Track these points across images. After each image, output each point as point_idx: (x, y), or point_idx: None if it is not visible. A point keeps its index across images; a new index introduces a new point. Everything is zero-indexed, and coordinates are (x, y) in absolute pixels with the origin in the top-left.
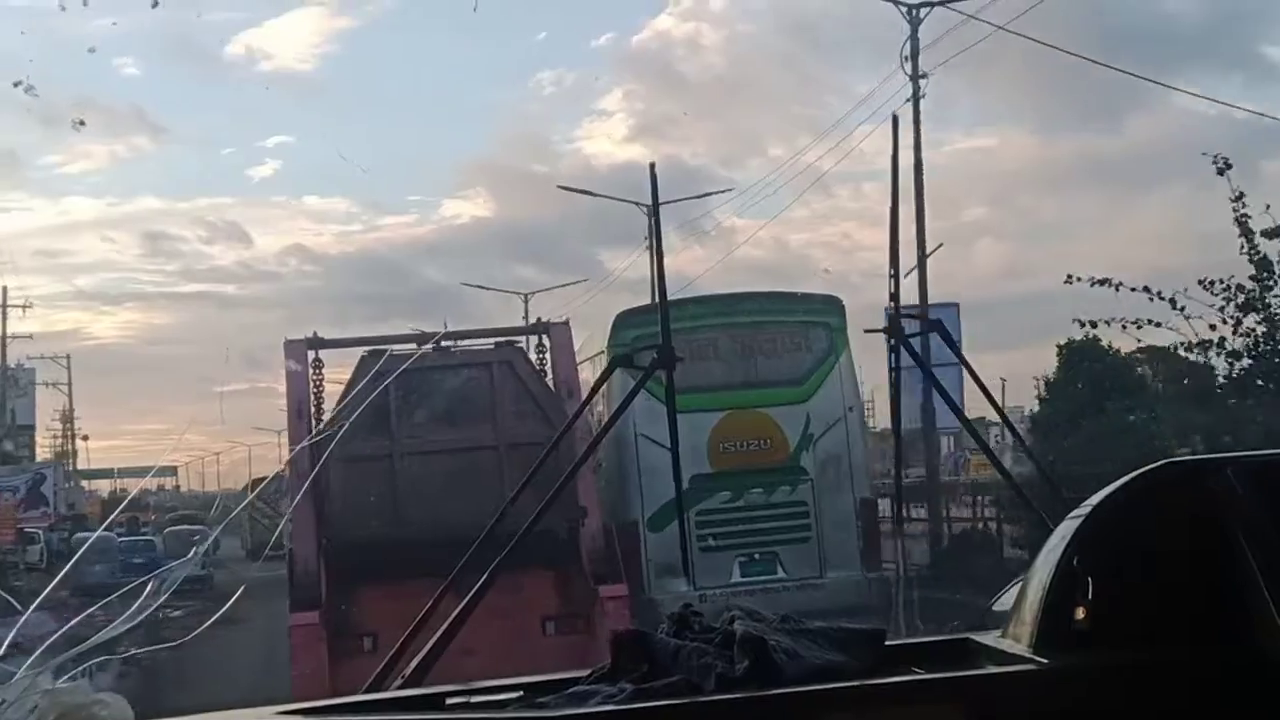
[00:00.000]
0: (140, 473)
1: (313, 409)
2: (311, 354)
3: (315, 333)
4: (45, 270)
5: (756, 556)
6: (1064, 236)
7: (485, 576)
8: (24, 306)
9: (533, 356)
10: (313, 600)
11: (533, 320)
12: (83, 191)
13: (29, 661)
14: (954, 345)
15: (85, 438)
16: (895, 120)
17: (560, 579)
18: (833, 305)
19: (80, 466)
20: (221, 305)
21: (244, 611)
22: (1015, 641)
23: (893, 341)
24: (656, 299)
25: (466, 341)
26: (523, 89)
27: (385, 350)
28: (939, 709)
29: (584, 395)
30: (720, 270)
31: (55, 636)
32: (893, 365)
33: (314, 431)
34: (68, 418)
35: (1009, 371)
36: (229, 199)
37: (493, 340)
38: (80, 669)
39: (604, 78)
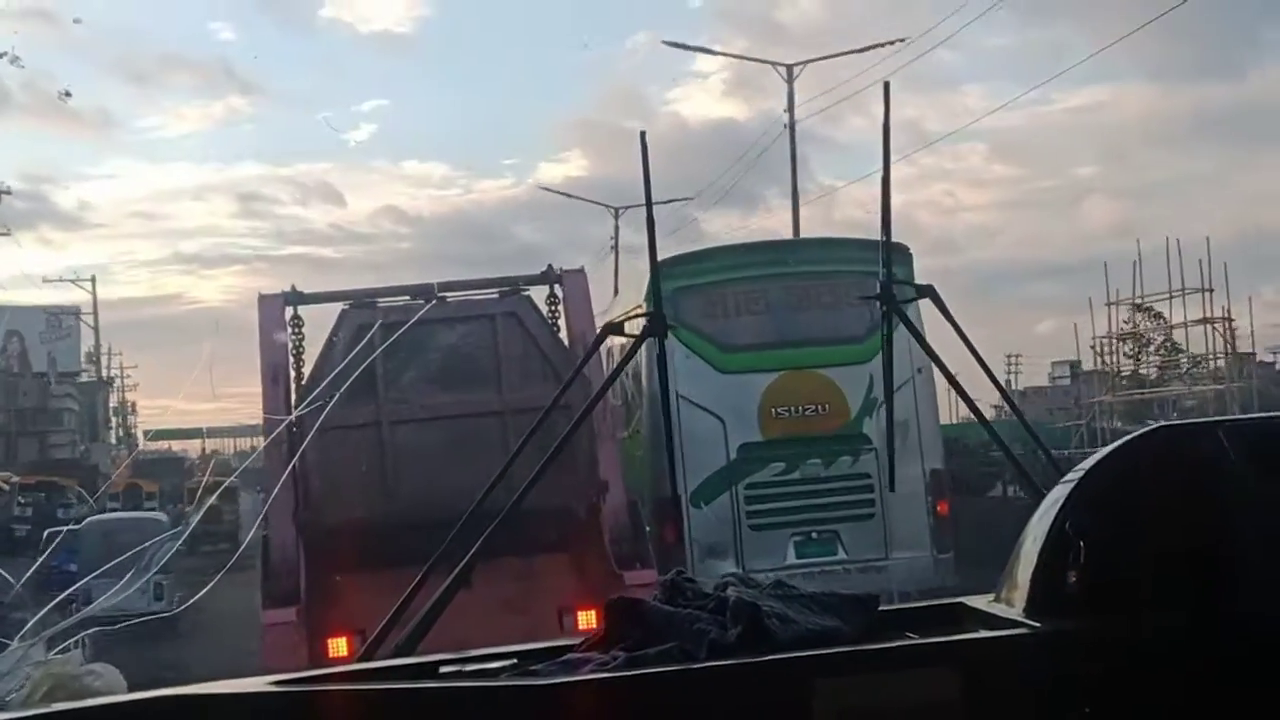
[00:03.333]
0: (229, 433)
1: (291, 374)
2: (289, 310)
3: (294, 286)
4: (148, 235)
5: (814, 535)
6: (1178, 194)
7: (474, 549)
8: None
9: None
10: (290, 594)
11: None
12: (179, 156)
13: (21, 633)
14: (948, 313)
15: (110, 380)
16: (886, 87)
17: (578, 564)
18: (899, 253)
19: (156, 425)
20: (317, 268)
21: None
22: (1007, 606)
23: (883, 308)
24: (658, 276)
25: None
26: (619, 49)
27: (368, 303)
28: (931, 674)
29: (614, 355)
30: (820, 228)
31: (44, 611)
32: (884, 333)
33: (292, 399)
34: (93, 359)
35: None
36: (327, 164)
37: (496, 290)
38: (73, 640)
39: (701, 35)
